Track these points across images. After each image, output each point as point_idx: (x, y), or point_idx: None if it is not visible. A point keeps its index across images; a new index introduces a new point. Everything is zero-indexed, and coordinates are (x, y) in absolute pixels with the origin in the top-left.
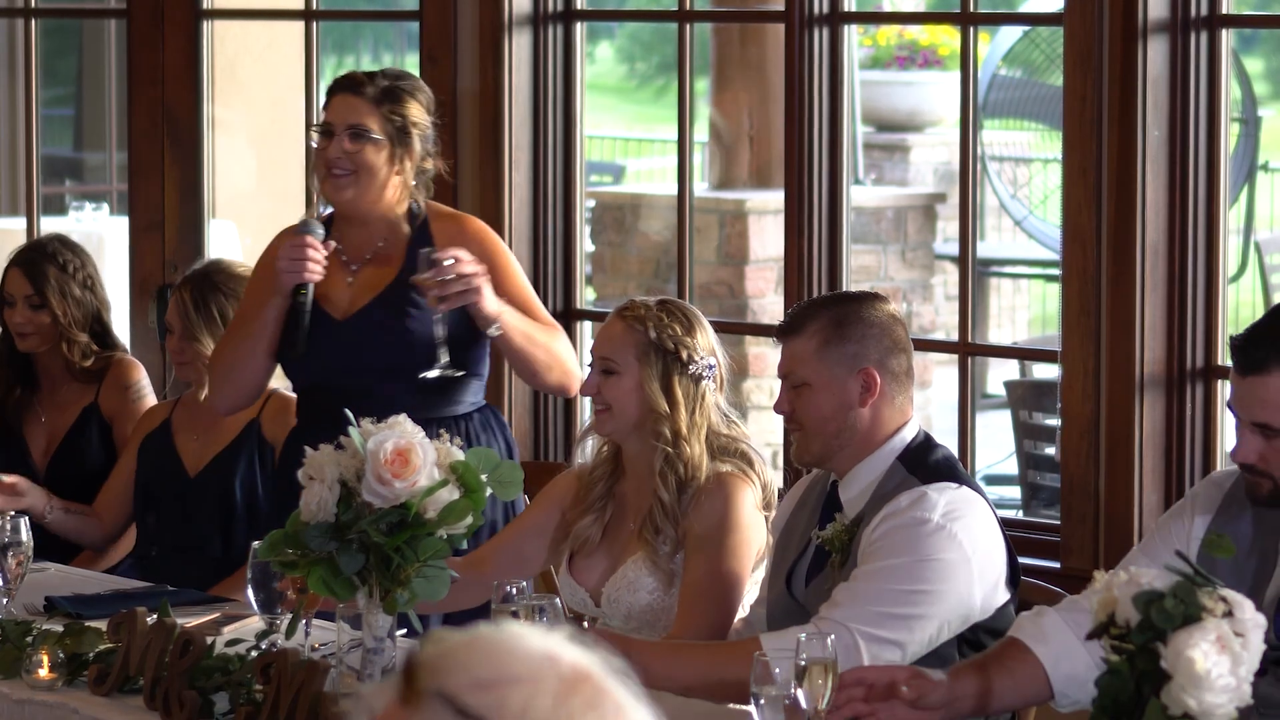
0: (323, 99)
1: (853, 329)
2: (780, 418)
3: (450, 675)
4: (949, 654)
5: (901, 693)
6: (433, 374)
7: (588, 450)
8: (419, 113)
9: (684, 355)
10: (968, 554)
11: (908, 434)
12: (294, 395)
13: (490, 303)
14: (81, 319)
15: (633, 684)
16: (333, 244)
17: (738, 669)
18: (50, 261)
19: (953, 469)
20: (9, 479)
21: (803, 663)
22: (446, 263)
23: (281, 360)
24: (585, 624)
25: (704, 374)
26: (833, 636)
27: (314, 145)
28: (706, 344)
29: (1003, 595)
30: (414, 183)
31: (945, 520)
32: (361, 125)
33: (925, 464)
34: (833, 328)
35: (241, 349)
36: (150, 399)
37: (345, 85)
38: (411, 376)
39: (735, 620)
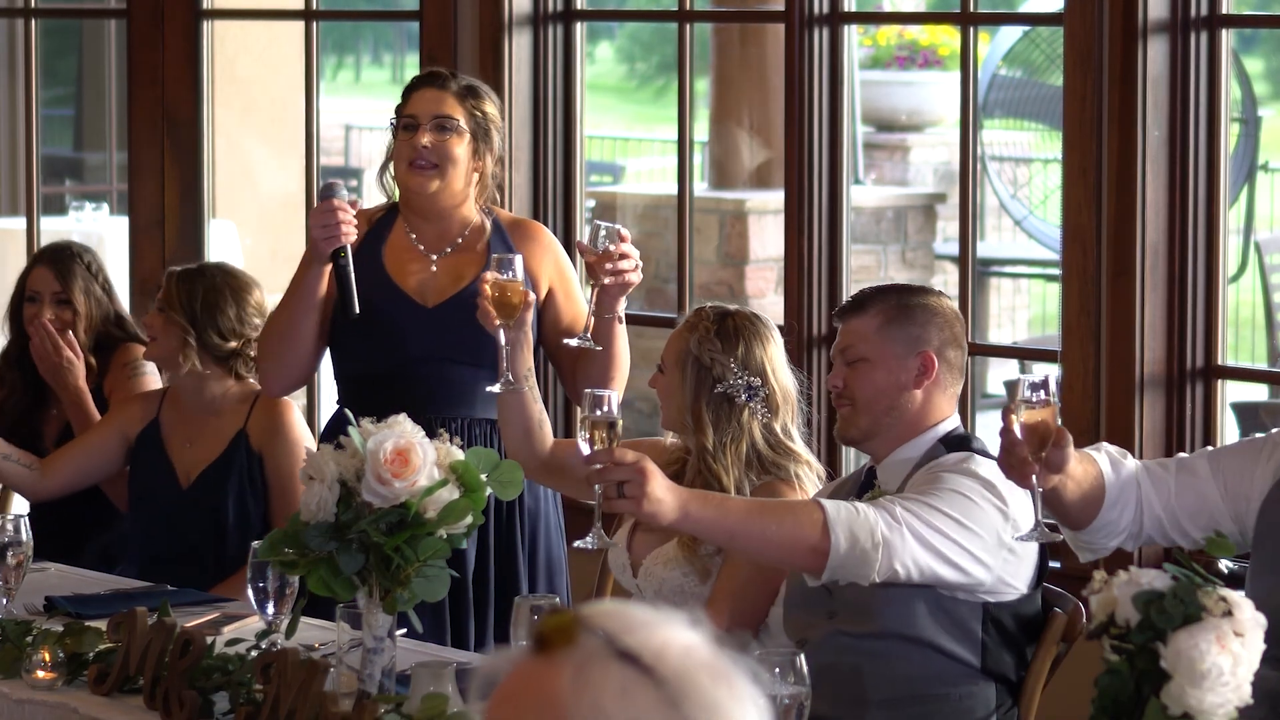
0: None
1: (918, 313)
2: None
3: (608, 620)
4: (972, 627)
5: (1062, 439)
6: (574, 340)
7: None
8: (495, 113)
9: (716, 371)
10: (1007, 514)
11: (947, 426)
12: (285, 401)
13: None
14: (101, 317)
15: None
16: (359, 201)
17: (789, 521)
18: (77, 261)
19: (992, 457)
20: None
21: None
22: (621, 238)
23: (336, 336)
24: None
25: (738, 394)
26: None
27: (393, 140)
28: (755, 363)
29: (1027, 581)
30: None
31: (991, 478)
32: (448, 116)
33: (967, 447)
34: (897, 309)
35: (289, 322)
36: (149, 377)
37: (428, 80)
38: (493, 366)
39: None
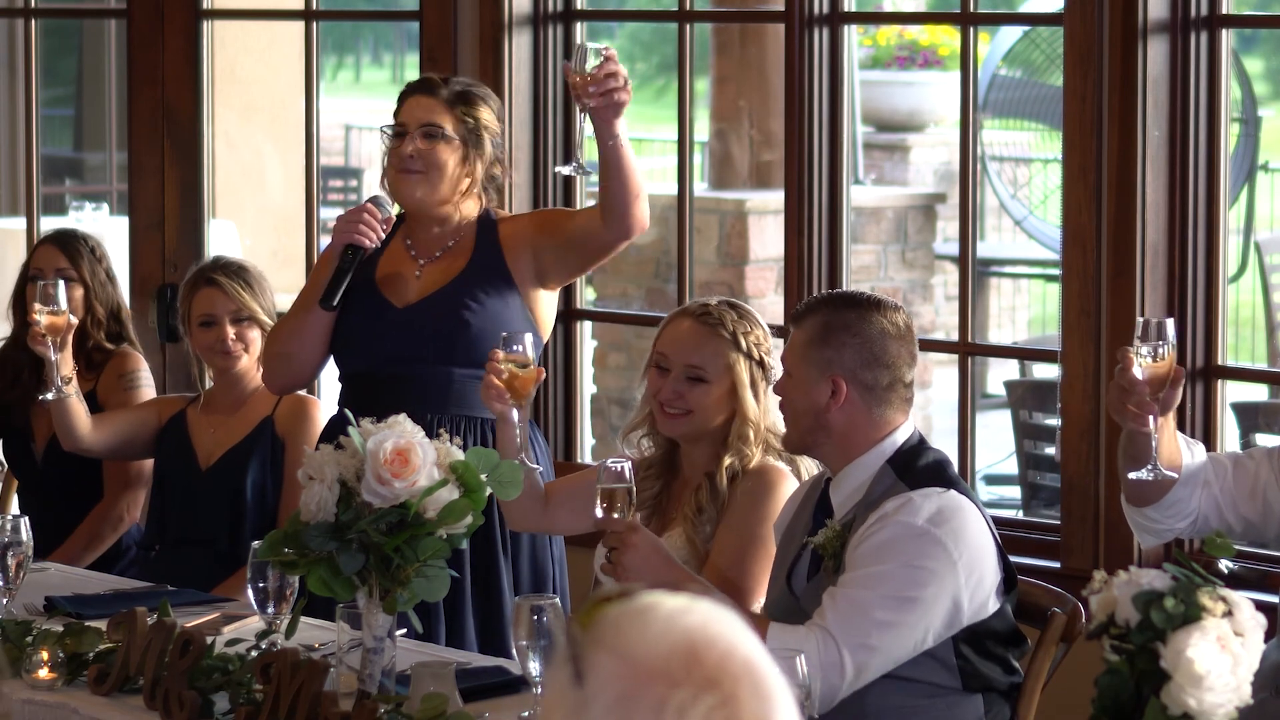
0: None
1: (837, 335)
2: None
3: (591, 623)
4: (945, 656)
5: (1179, 378)
6: (566, 169)
7: (641, 444)
8: (490, 117)
9: (767, 361)
10: (954, 559)
11: (899, 437)
12: (311, 397)
13: (620, 115)
14: (106, 303)
15: (780, 674)
16: (393, 217)
17: None
18: (83, 243)
19: (941, 472)
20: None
21: None
22: (606, 57)
23: (341, 348)
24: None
25: (775, 377)
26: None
27: (385, 146)
28: (769, 345)
29: (996, 598)
30: (485, 187)
31: (930, 525)
32: (435, 124)
33: (914, 468)
34: (821, 329)
35: (299, 322)
36: (147, 390)
37: (419, 87)
38: (464, 365)
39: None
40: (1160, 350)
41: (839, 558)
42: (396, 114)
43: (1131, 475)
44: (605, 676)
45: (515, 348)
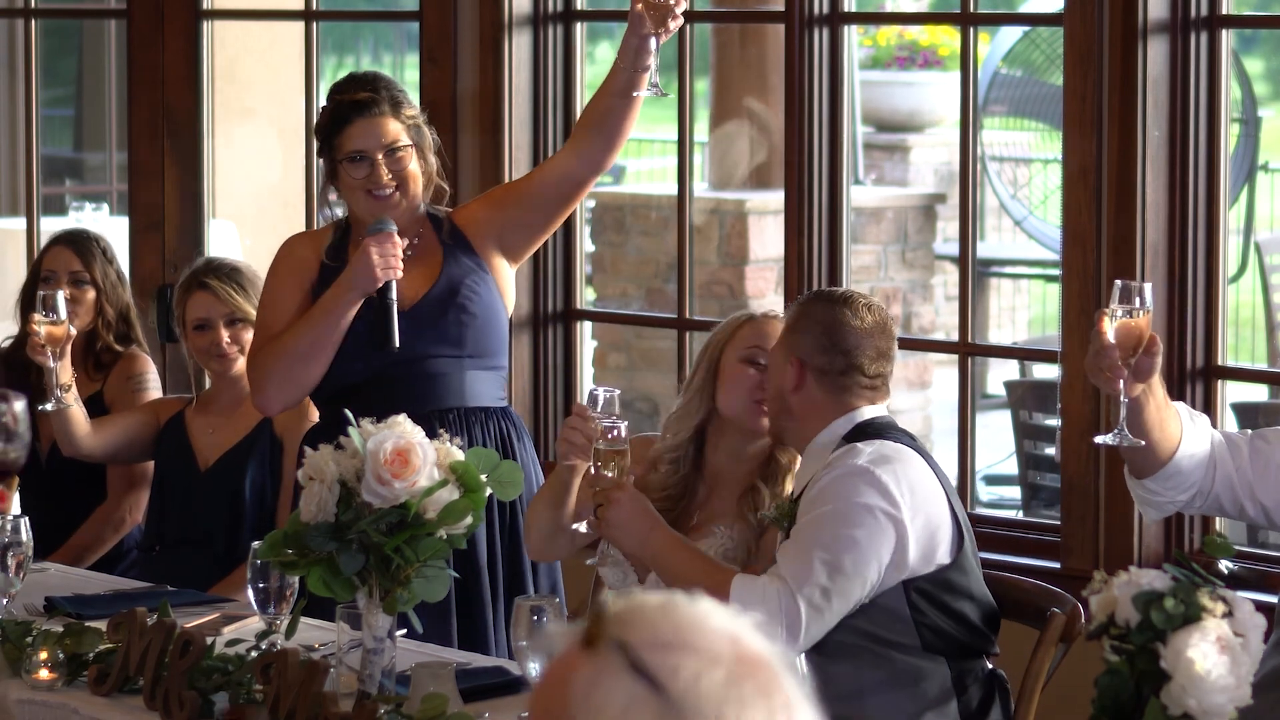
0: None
1: (802, 323)
2: None
3: (633, 630)
4: (897, 607)
5: (1154, 346)
6: (646, 91)
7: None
8: (416, 107)
9: None
10: (895, 496)
11: (860, 416)
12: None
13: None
14: (116, 305)
15: (803, 683)
16: (407, 239)
17: (706, 588)
18: (95, 244)
19: (892, 431)
20: (54, 335)
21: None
22: None
23: (343, 358)
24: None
25: None
26: None
27: (330, 171)
28: None
29: (949, 549)
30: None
31: (870, 465)
32: (395, 142)
33: (865, 433)
34: (794, 318)
35: (314, 347)
36: (154, 392)
37: (358, 110)
38: (473, 355)
39: None
40: (1134, 312)
41: (792, 519)
42: (338, 140)
43: (1097, 440)
44: (684, 676)
45: (612, 434)
